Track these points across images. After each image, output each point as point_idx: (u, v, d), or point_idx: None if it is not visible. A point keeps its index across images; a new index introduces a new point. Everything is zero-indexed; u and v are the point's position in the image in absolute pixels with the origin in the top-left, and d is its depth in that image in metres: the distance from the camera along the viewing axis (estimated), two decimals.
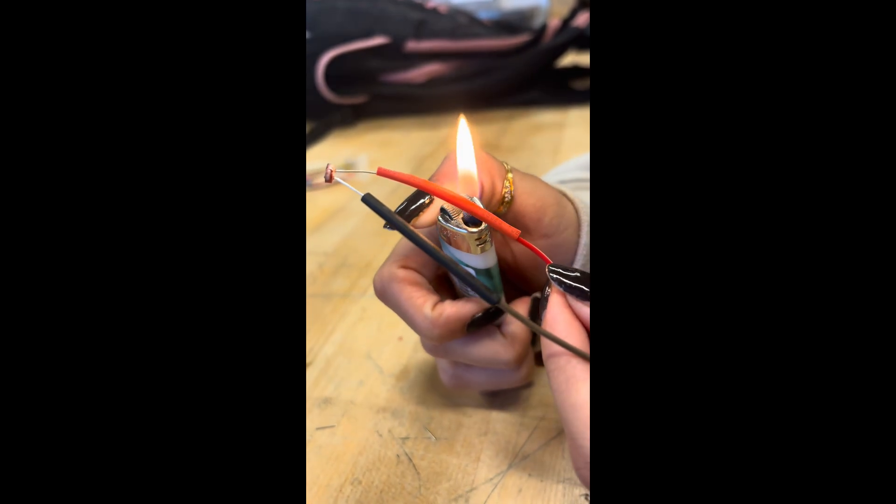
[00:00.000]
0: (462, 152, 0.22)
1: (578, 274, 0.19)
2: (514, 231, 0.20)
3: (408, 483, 0.25)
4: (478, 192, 0.21)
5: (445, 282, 0.26)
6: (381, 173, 0.21)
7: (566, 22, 0.84)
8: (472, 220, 0.21)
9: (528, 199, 0.23)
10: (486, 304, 0.23)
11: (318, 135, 0.82)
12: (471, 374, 0.26)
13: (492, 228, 0.21)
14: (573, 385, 0.17)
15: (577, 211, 0.25)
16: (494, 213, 0.23)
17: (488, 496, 0.24)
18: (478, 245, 0.22)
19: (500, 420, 0.28)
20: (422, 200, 0.21)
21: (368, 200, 0.19)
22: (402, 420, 0.29)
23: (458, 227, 0.21)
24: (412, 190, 0.22)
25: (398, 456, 0.27)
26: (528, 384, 0.29)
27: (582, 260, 0.25)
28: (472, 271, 0.23)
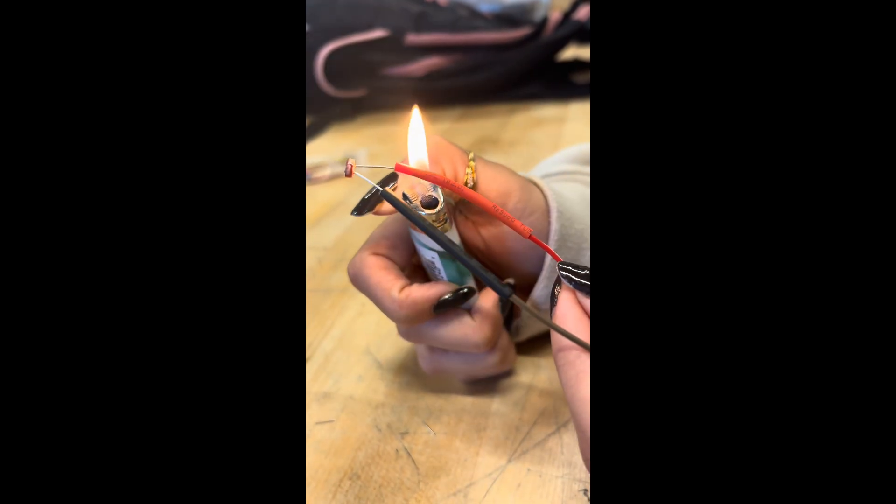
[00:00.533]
0: (414, 142, 0.23)
1: (588, 271, 0.19)
2: (526, 229, 0.21)
3: (407, 478, 0.25)
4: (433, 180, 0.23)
5: (420, 269, 0.27)
6: (399, 170, 0.22)
7: (567, 15, 0.84)
8: (429, 204, 0.22)
9: (490, 185, 0.24)
10: (452, 287, 0.24)
11: (317, 129, 0.82)
12: (446, 359, 0.27)
13: (450, 210, 0.23)
14: (582, 380, 0.17)
15: (545, 198, 0.26)
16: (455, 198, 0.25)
17: (487, 491, 0.24)
18: (437, 226, 0.22)
19: (498, 415, 0.28)
20: (387, 187, 0.23)
21: (387, 196, 0.21)
22: (400, 415, 0.29)
23: (416, 209, 0.22)
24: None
25: (397, 451, 0.27)
26: (507, 371, 0.30)
27: (554, 245, 0.26)
28: (435, 254, 0.24)
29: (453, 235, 0.24)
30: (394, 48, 0.82)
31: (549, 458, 0.25)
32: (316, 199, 0.59)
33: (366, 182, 0.22)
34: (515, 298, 0.19)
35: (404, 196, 0.23)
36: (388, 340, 0.35)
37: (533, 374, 0.30)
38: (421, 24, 0.82)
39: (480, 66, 0.81)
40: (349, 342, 0.35)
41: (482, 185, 0.24)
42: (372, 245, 0.25)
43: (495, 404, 0.29)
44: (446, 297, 0.24)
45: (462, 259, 0.21)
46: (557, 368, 0.19)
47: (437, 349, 0.27)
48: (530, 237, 0.22)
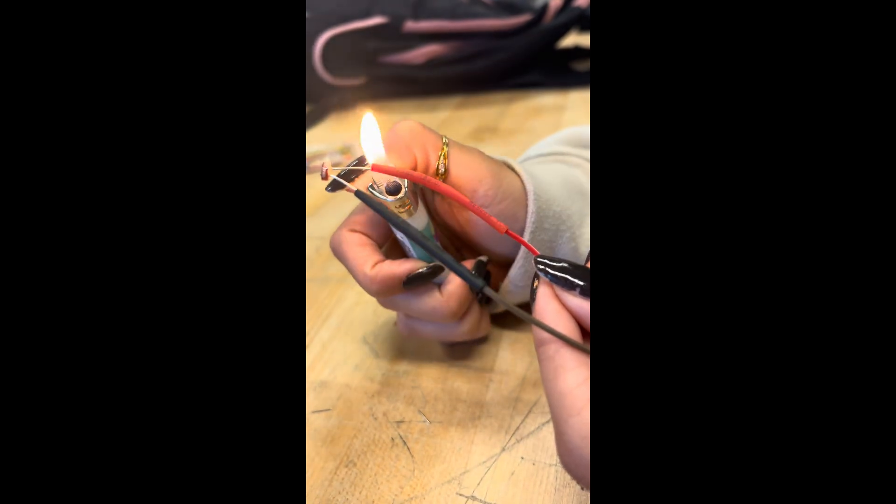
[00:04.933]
0: (368, 144, 0.24)
1: (565, 264, 0.19)
2: (501, 226, 0.23)
3: (402, 466, 0.26)
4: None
5: (398, 246, 0.28)
6: (376, 169, 0.23)
7: (568, 2, 0.83)
8: (393, 190, 0.24)
9: (463, 172, 0.25)
10: (421, 264, 0.26)
11: (316, 118, 0.82)
12: (420, 325, 0.29)
13: (417, 195, 0.25)
14: (561, 374, 0.17)
15: (522, 182, 0.27)
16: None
17: (481, 479, 0.25)
18: (401, 210, 0.24)
19: (493, 404, 0.28)
20: (359, 168, 0.24)
21: (360, 195, 0.22)
22: (396, 404, 0.29)
23: (380, 195, 0.24)
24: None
25: (393, 439, 0.27)
26: (480, 338, 0.32)
27: (531, 227, 0.27)
28: (405, 238, 0.25)
29: (421, 218, 0.25)
30: (392, 35, 0.81)
31: (542, 447, 0.26)
32: (314, 188, 0.59)
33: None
34: (489, 290, 0.19)
35: (372, 182, 0.24)
36: (385, 330, 0.35)
37: (528, 364, 0.31)
38: (420, 11, 0.82)
39: (480, 53, 0.80)
40: (346, 331, 0.35)
41: (454, 172, 0.25)
42: (350, 222, 0.27)
43: (490, 394, 0.29)
44: (414, 273, 0.25)
45: (429, 249, 0.22)
46: (539, 361, 0.19)
47: (412, 316, 0.29)
48: (507, 232, 0.23)
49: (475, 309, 0.29)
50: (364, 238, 0.26)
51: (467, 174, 0.25)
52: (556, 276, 0.19)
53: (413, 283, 0.26)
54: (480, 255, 0.29)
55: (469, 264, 0.28)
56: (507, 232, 0.23)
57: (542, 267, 0.19)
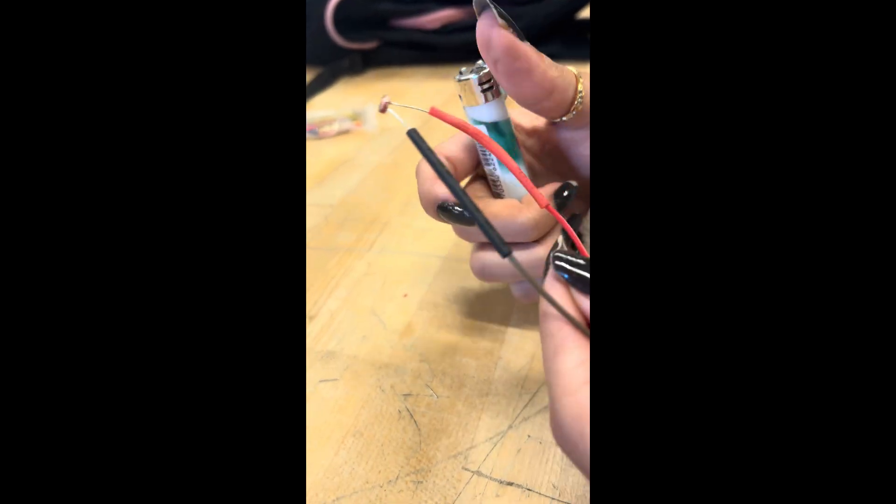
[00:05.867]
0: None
1: (583, 262, 0.18)
2: (543, 199, 0.22)
3: (409, 438, 0.26)
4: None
5: (483, 180, 0.28)
6: (434, 113, 0.22)
7: None
8: (477, 71, 0.23)
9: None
10: (450, 197, 0.24)
11: (325, 82, 0.80)
12: (490, 256, 0.26)
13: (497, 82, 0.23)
14: (560, 353, 0.17)
15: None
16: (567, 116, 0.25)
17: (487, 455, 0.25)
18: (481, 91, 0.24)
19: (501, 383, 0.28)
20: (414, 108, 0.24)
21: (413, 136, 0.21)
22: (404, 377, 0.29)
23: (464, 75, 0.24)
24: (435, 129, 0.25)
25: (399, 411, 0.27)
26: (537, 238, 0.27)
27: None
28: (483, 128, 0.25)
29: (501, 108, 0.25)
30: None
31: (549, 427, 0.26)
32: (323, 155, 0.58)
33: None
34: (512, 258, 0.18)
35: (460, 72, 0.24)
36: (394, 303, 0.35)
37: (536, 344, 0.30)
38: None
39: None
40: (354, 302, 0.35)
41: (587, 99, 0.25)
42: (440, 146, 0.26)
43: (498, 372, 0.29)
44: (446, 203, 0.24)
45: (471, 212, 0.19)
46: (541, 337, 0.18)
47: (485, 245, 0.27)
48: (546, 207, 0.22)
49: (557, 232, 0.26)
50: (451, 165, 0.26)
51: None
52: (575, 274, 0.18)
53: (444, 212, 0.24)
54: (558, 178, 0.28)
55: (552, 187, 0.26)
56: (546, 207, 0.22)
57: (559, 263, 0.18)
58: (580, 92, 0.24)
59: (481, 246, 0.27)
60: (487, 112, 0.24)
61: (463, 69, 0.24)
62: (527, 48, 0.22)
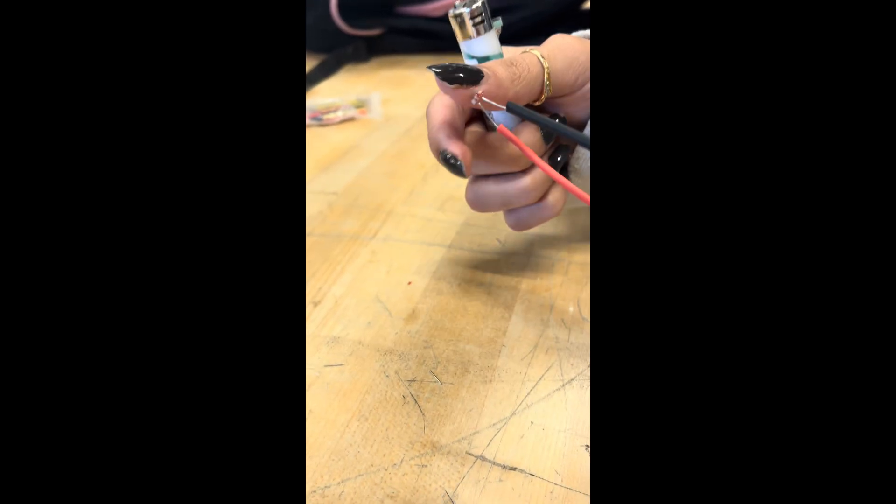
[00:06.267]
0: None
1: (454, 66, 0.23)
2: (585, 196, 0.23)
3: (413, 423, 0.26)
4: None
5: (479, 121, 0.30)
6: (502, 131, 0.26)
7: None
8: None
9: (562, 79, 0.27)
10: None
11: (329, 69, 0.79)
12: (484, 184, 0.29)
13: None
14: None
15: None
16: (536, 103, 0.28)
17: (490, 440, 0.25)
18: (473, 25, 0.25)
19: (505, 369, 0.29)
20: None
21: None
22: (408, 363, 0.30)
23: (457, 9, 0.25)
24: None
25: (404, 397, 0.28)
26: (546, 216, 0.30)
27: None
28: (475, 62, 0.26)
29: (494, 43, 0.27)
30: None
31: (552, 413, 0.26)
32: (328, 141, 0.58)
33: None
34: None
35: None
36: (399, 290, 0.35)
37: (540, 332, 0.31)
38: None
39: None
40: (359, 289, 0.35)
41: (554, 79, 0.27)
42: (433, 112, 0.28)
43: (502, 359, 0.29)
44: (444, 65, 0.26)
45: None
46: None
47: (478, 178, 0.29)
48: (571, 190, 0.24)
49: (540, 173, 0.28)
50: (455, 112, 0.28)
51: (569, 73, 0.27)
52: (445, 73, 0.23)
53: (441, 73, 0.25)
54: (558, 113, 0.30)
55: (533, 134, 0.28)
56: (429, 65, 0.25)
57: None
58: (547, 83, 0.27)
59: (475, 179, 0.29)
60: (480, 46, 0.26)
61: (457, 3, 0.25)
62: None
